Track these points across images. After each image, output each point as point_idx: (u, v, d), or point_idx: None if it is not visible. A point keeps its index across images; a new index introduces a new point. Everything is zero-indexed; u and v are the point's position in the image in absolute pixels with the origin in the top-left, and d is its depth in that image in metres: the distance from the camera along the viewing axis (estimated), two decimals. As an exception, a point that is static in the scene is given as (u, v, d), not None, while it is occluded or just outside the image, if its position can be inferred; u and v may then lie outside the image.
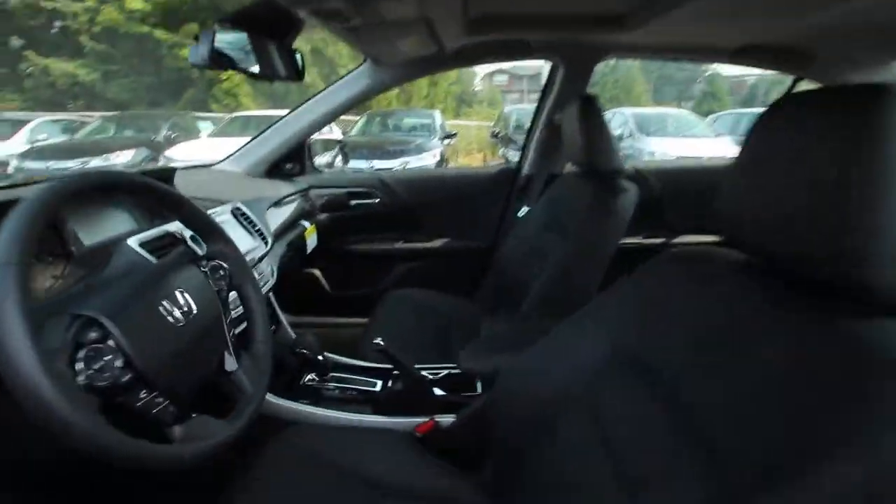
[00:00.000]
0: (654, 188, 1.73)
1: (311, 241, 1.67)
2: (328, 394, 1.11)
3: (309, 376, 1.12)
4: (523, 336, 1.11)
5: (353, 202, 1.85)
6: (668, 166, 1.86)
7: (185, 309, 0.62)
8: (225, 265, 0.77)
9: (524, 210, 1.75)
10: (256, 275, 1.15)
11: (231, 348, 0.72)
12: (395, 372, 1.05)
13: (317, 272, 1.90)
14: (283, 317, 1.28)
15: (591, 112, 1.22)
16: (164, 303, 0.60)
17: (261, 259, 1.15)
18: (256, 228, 1.18)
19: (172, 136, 7.98)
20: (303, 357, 1.09)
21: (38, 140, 7.84)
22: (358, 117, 8.24)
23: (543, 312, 1.24)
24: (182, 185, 1.20)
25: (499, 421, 0.89)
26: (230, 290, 0.77)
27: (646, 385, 0.62)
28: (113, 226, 0.83)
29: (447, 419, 1.04)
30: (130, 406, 0.53)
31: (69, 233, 0.78)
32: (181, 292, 0.63)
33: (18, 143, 7.73)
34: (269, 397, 1.03)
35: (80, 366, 0.50)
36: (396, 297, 1.56)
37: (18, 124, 8.40)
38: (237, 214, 1.17)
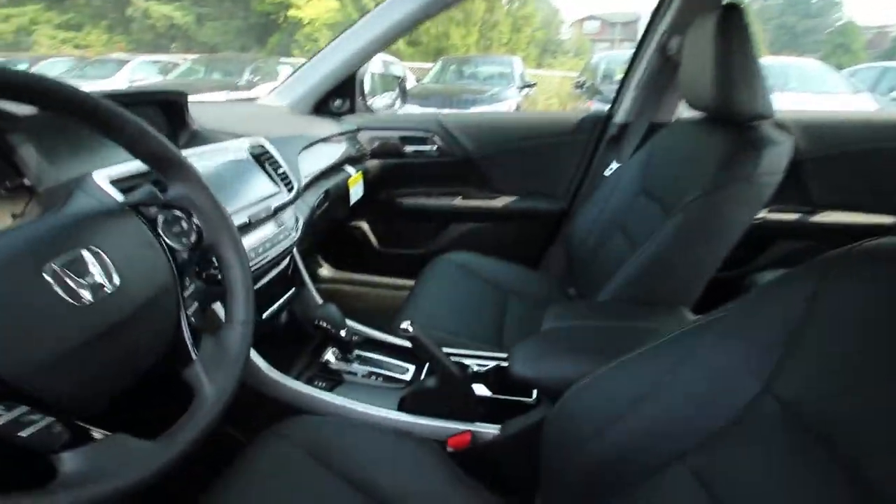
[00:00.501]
0: (798, 145, 1.30)
1: (357, 190, 1.45)
2: (349, 378, 0.92)
3: (328, 355, 0.93)
4: (604, 336, 0.83)
5: (408, 148, 1.60)
6: (812, 118, 1.39)
7: (97, 280, 0.42)
8: (191, 217, 0.56)
9: (612, 167, 1.40)
10: (274, 228, 0.95)
11: (188, 333, 0.52)
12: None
13: (364, 225, 1.70)
14: (307, 278, 1.09)
15: (734, 27, 0.85)
16: (57, 269, 0.40)
17: (281, 208, 0.94)
18: (280, 171, 0.97)
19: (254, 79, 8.12)
20: (323, 331, 0.89)
21: (136, 80, 8.33)
22: (432, 64, 7.85)
23: (630, 303, 0.94)
24: (198, 115, 1.01)
25: (558, 451, 0.65)
26: (196, 251, 0.56)
27: (821, 461, 0.39)
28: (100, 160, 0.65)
29: (488, 430, 0.80)
30: None
31: (25, 163, 0.61)
32: (95, 255, 0.43)
33: (120, 82, 8.26)
34: (277, 377, 0.85)
35: None
36: (447, 262, 1.32)
37: (122, 64, 8.97)
38: (257, 153, 0.96)
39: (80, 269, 0.41)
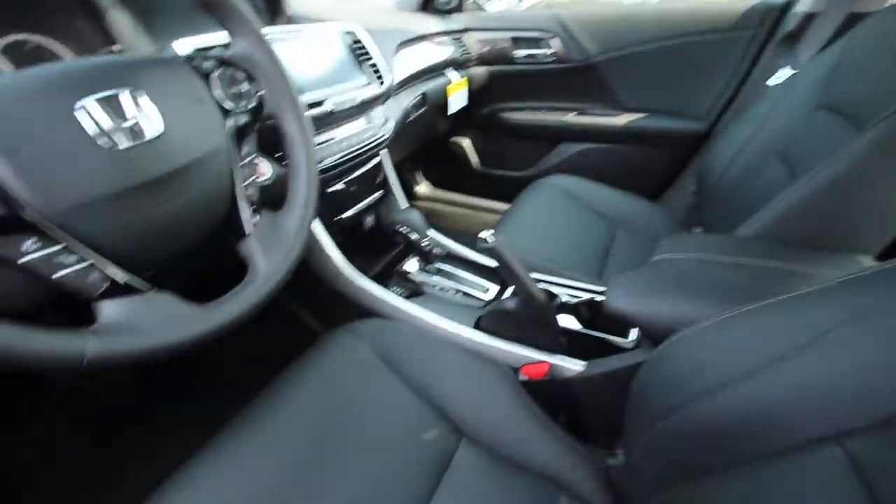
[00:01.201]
0: None
1: (458, 98, 1.33)
2: (427, 289, 0.86)
3: (408, 263, 0.88)
4: (733, 275, 0.65)
5: (520, 53, 1.41)
6: None
7: (138, 125, 0.38)
8: (252, 81, 0.50)
9: (783, 75, 1.08)
10: (363, 123, 0.89)
11: (243, 204, 0.48)
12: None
13: (465, 141, 1.59)
14: (395, 182, 1.02)
15: None
16: (92, 106, 0.36)
17: (370, 102, 0.87)
18: (370, 63, 0.89)
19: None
20: (404, 238, 0.84)
21: None
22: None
23: (779, 242, 0.73)
24: (297, 2, 0.95)
25: (654, 405, 0.53)
26: (256, 119, 0.51)
27: None
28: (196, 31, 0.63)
29: (571, 366, 0.70)
30: (8, 261, 0.33)
31: (116, 29, 0.61)
32: (138, 97, 0.39)
33: None
34: (355, 276, 0.82)
35: None
36: (550, 185, 1.17)
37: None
38: (348, 42, 0.88)
39: (119, 111, 0.37)
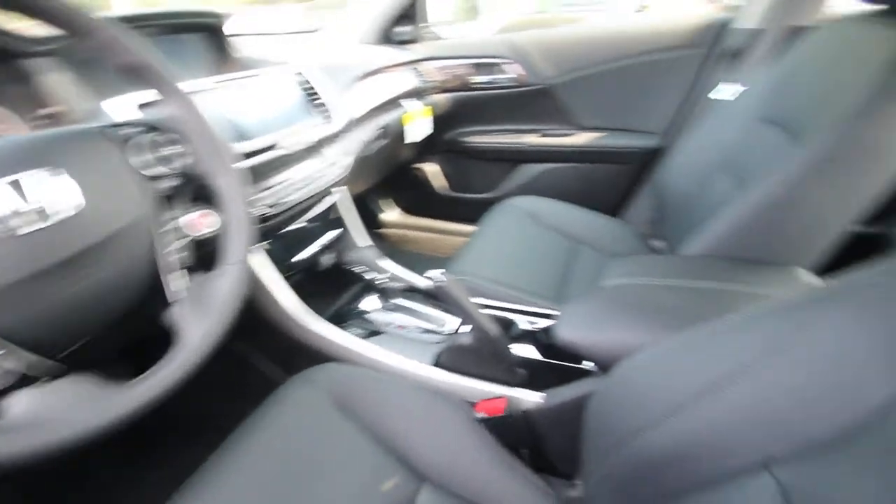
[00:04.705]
0: None
1: (421, 127, 1.35)
2: (386, 328, 0.86)
3: (366, 302, 0.88)
4: (679, 299, 0.66)
5: (479, 79, 1.43)
6: None
7: (38, 208, 0.38)
8: (179, 141, 0.50)
9: (729, 90, 1.11)
10: (319, 163, 0.90)
11: (167, 271, 0.48)
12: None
13: (432, 167, 1.60)
14: (351, 217, 1.02)
15: None
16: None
17: (323, 141, 0.88)
18: (317, 102, 0.90)
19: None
20: (361, 277, 0.84)
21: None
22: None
23: (726, 260, 0.74)
24: (247, 45, 0.96)
25: (604, 437, 0.53)
26: (188, 180, 0.51)
27: None
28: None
29: (531, 398, 0.70)
30: None
31: (48, 90, 0.61)
32: (43, 177, 0.38)
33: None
34: (310, 321, 0.82)
35: None
36: (512, 207, 1.18)
37: None
38: (299, 82, 0.90)
39: (21, 194, 0.37)
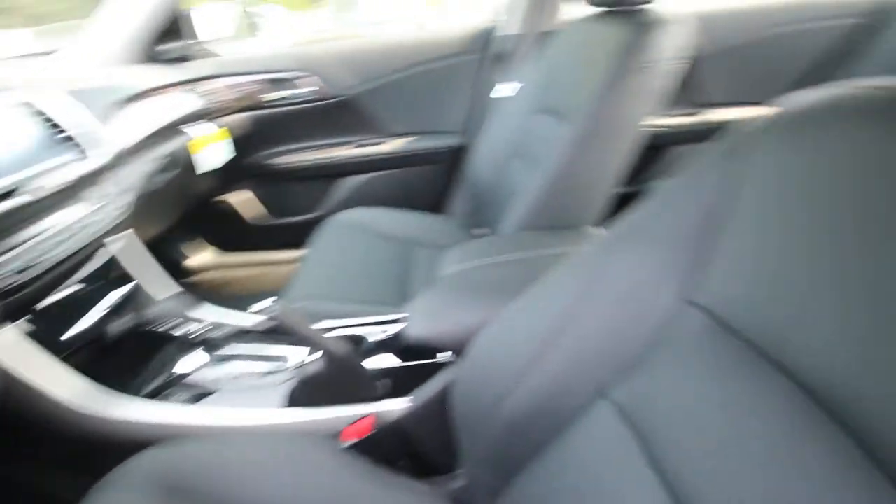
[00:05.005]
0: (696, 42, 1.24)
1: (216, 152, 1.21)
2: (216, 385, 0.73)
3: (182, 362, 0.73)
4: (508, 272, 0.72)
5: (276, 95, 1.35)
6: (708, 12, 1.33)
7: None
8: None
9: (507, 88, 1.27)
10: (84, 207, 0.72)
11: None
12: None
13: (239, 196, 1.45)
14: (144, 266, 0.84)
15: None
16: None
17: (86, 179, 0.71)
18: (62, 134, 0.72)
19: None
20: (167, 336, 0.70)
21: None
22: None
23: (535, 232, 0.84)
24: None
25: (472, 416, 0.54)
26: None
27: (759, 370, 0.31)
28: None
29: (397, 406, 0.68)
30: None
31: None
32: None
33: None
34: (111, 404, 0.65)
35: None
36: (337, 223, 1.15)
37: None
38: (31, 112, 0.71)
39: None
